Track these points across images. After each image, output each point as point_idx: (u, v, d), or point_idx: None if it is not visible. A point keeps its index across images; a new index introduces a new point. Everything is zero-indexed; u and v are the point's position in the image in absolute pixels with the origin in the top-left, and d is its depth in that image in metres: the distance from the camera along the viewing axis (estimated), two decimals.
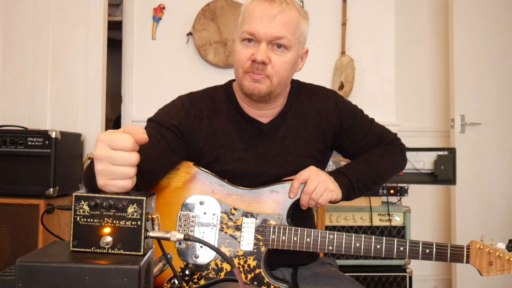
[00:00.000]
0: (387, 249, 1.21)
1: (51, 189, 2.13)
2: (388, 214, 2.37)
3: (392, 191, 2.40)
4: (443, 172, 2.34)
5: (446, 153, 2.36)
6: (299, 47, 1.25)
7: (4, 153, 2.13)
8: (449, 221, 3.07)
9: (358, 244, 1.21)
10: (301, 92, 1.37)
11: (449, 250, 1.21)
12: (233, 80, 1.36)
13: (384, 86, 2.99)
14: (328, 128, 1.35)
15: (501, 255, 1.23)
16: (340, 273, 1.34)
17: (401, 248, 1.21)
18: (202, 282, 1.18)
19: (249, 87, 1.22)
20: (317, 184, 1.22)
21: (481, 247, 1.23)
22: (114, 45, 3.13)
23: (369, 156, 1.37)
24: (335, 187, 1.25)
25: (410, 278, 2.33)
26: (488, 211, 2.99)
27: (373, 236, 1.22)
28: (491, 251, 1.23)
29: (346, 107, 1.37)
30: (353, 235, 1.22)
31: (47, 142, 2.14)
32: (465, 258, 1.21)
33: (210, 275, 1.18)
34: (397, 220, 2.38)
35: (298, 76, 1.36)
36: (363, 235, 1.22)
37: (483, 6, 3.05)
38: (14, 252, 2.06)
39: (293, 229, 1.21)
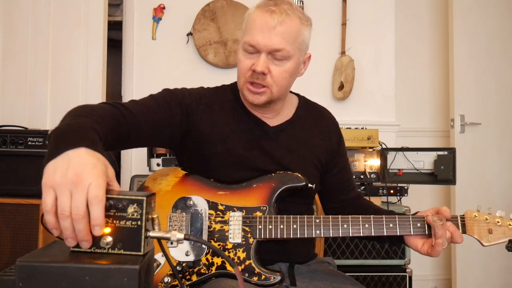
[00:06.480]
0: (376, 227, 1.20)
1: None
2: None
3: (392, 191, 2.40)
4: (443, 172, 2.33)
5: (446, 153, 2.36)
6: (300, 55, 1.27)
7: (4, 153, 2.13)
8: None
9: (345, 226, 1.21)
10: (308, 108, 1.43)
11: None
12: None
13: (384, 86, 2.99)
14: (330, 146, 1.39)
15: (499, 222, 1.18)
16: (337, 271, 1.35)
17: (391, 225, 1.20)
18: (194, 277, 1.20)
19: (248, 97, 1.26)
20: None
21: (477, 215, 1.19)
22: (114, 45, 3.13)
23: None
24: None
25: (410, 278, 2.32)
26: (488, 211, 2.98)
27: (360, 216, 1.21)
28: (488, 219, 1.18)
29: (343, 137, 1.45)
30: (340, 216, 1.21)
31: (47, 142, 2.13)
32: (460, 227, 1.19)
33: (202, 270, 1.20)
34: None
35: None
36: (349, 216, 1.22)
37: (483, 6, 3.05)
38: (14, 252, 2.06)
39: (278, 217, 1.22)
